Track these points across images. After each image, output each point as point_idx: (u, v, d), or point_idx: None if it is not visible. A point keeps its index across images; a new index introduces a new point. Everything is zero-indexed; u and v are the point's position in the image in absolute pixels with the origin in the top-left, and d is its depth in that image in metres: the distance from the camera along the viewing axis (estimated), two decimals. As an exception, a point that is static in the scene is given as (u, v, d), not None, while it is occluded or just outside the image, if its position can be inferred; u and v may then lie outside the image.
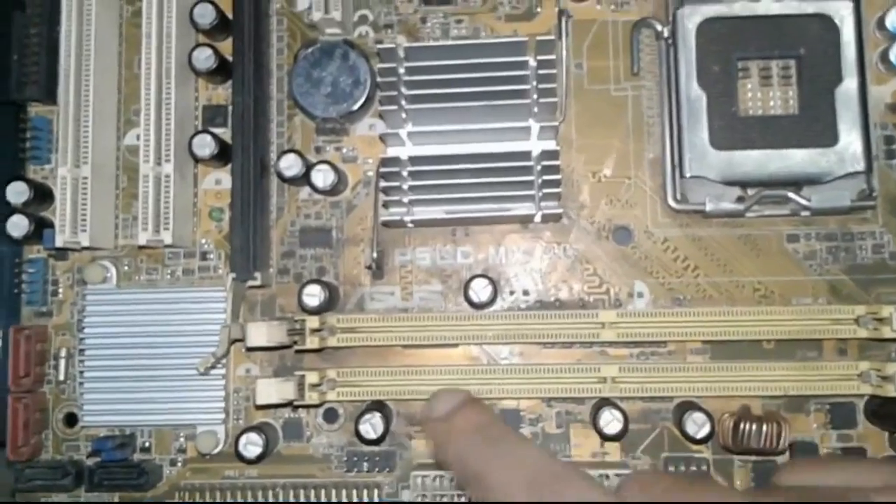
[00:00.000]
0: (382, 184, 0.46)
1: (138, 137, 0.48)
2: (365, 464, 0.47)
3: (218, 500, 0.46)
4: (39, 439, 0.49)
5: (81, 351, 0.48)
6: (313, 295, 0.46)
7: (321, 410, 0.47)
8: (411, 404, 0.47)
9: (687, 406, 0.45)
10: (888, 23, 0.46)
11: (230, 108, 0.49)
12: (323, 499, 0.46)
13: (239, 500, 0.46)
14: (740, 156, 0.45)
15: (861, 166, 0.45)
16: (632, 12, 0.49)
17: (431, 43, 0.48)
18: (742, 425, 0.43)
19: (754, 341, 0.46)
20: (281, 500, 0.46)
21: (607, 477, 0.45)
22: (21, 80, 0.50)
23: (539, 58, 0.45)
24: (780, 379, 0.44)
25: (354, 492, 0.46)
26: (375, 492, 0.46)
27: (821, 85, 0.46)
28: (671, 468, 0.45)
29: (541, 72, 0.45)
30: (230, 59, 0.49)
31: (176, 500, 0.47)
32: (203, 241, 0.49)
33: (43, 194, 0.49)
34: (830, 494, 0.31)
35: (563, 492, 0.30)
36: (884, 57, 0.47)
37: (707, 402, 0.45)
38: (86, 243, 0.47)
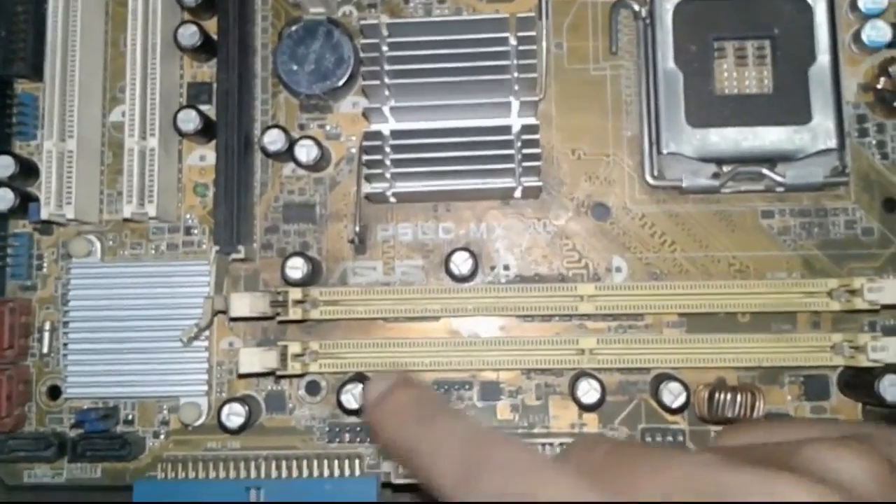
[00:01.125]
0: (365, 158, 0.47)
1: (124, 114, 0.48)
2: (346, 435, 0.47)
3: (200, 471, 0.47)
4: (23, 411, 0.49)
5: (65, 324, 0.49)
6: (296, 268, 0.46)
7: (304, 383, 0.48)
8: (393, 377, 0.48)
9: (663, 377, 0.45)
10: (860, 4, 0.47)
11: (215, 85, 0.49)
12: (305, 470, 0.46)
13: (221, 471, 0.47)
14: (716, 133, 0.46)
15: (833, 143, 0.46)
16: (610, -7, 0.50)
17: (414, 19, 0.49)
18: (717, 395, 0.44)
19: (730, 314, 0.46)
20: (263, 471, 0.47)
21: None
22: (8, 56, 0.50)
23: (519, 34, 0.46)
24: (755, 351, 0.45)
25: (336, 462, 0.47)
26: (357, 462, 0.47)
27: (794, 64, 0.47)
28: (648, 439, 0.46)
29: (521, 48, 0.46)
30: (215, 36, 0.49)
31: (158, 472, 0.47)
32: (187, 216, 0.50)
33: (28, 169, 0.50)
34: (764, 450, 0.32)
35: (493, 456, 0.29)
36: (856, 37, 0.48)
37: (683, 373, 0.46)
38: (70, 216, 0.47)
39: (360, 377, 0.46)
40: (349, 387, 0.45)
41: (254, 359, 0.45)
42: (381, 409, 0.35)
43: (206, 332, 0.48)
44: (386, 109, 0.47)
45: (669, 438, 0.46)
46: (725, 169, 0.47)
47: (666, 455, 0.30)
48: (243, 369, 0.45)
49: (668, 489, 0.27)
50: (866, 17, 0.47)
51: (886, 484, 0.28)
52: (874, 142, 0.48)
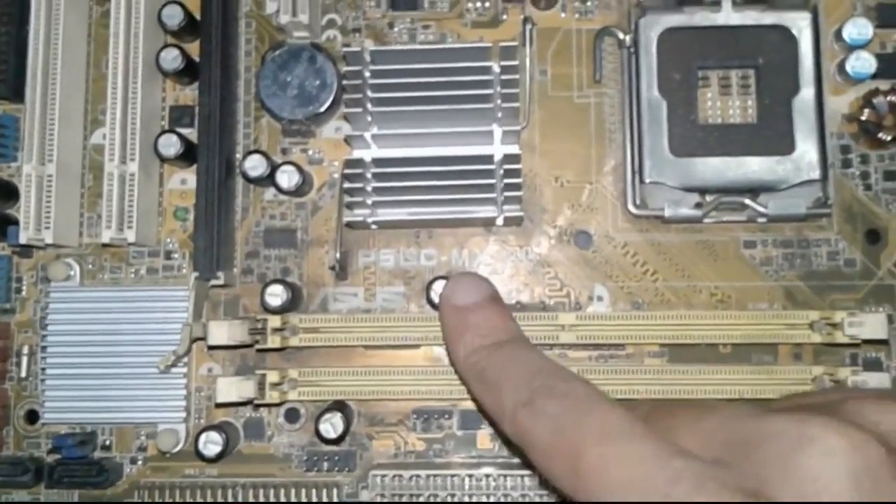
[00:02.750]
0: (346, 185, 0.46)
1: (104, 137, 0.48)
2: (325, 463, 0.47)
3: (178, 498, 0.46)
4: (1, 435, 0.49)
5: (44, 348, 0.49)
6: (276, 295, 0.46)
7: (283, 410, 0.48)
8: (373, 405, 0.47)
9: (643, 408, 0.45)
10: (845, 34, 0.47)
11: (197, 108, 0.49)
12: (282, 498, 0.46)
13: (199, 499, 0.46)
14: (699, 163, 0.46)
15: (817, 174, 0.46)
16: (595, 21, 0.50)
17: (397, 47, 0.49)
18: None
19: (711, 345, 0.46)
20: (240, 499, 0.46)
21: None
22: (-11, 78, 0.50)
23: (502, 63, 0.46)
24: (736, 382, 0.44)
25: (314, 491, 0.46)
26: (335, 491, 0.47)
27: (779, 94, 0.47)
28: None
29: (503, 77, 0.46)
30: (198, 60, 0.49)
31: (135, 499, 0.47)
32: (168, 240, 0.50)
33: (9, 192, 0.49)
34: (807, 402, 0.33)
35: (556, 386, 0.32)
36: (841, 68, 0.48)
37: (664, 404, 0.45)
38: (49, 240, 0.47)
39: (338, 405, 0.46)
40: (327, 416, 0.45)
41: (231, 388, 0.44)
42: (466, 319, 0.37)
43: (185, 359, 0.48)
44: (368, 136, 0.47)
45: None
46: (708, 198, 0.47)
47: (704, 408, 0.31)
48: (220, 398, 0.44)
49: (703, 439, 0.28)
50: (851, 48, 0.47)
51: (870, 477, 0.27)
52: (858, 173, 0.48)
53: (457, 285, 0.40)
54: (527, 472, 0.45)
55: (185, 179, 0.50)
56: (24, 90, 0.49)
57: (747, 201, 0.46)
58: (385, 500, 0.45)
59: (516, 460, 0.47)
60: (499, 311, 0.38)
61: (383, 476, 0.45)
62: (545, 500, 0.45)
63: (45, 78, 0.48)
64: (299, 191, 0.48)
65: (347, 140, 0.48)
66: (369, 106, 0.46)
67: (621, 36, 0.48)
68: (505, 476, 0.45)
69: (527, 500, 0.45)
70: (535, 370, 0.34)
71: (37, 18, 0.49)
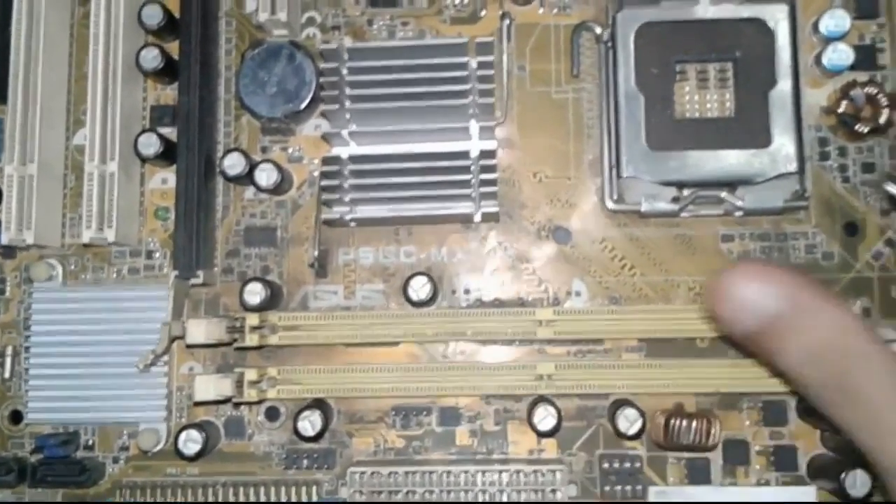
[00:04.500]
0: (324, 182, 0.47)
1: (86, 137, 0.48)
2: (304, 461, 0.47)
3: (159, 497, 0.47)
4: (-16, 436, 0.49)
5: (27, 349, 0.49)
6: (255, 293, 0.46)
7: (263, 409, 0.48)
8: (352, 402, 0.48)
9: (620, 403, 0.45)
10: (822, 27, 0.47)
11: (177, 107, 0.49)
12: (262, 496, 0.46)
13: (180, 498, 0.47)
14: (676, 157, 0.46)
15: (793, 167, 0.45)
16: (573, 16, 0.49)
17: (373, 44, 0.49)
18: (672, 421, 0.44)
19: (689, 339, 0.46)
20: (220, 498, 0.46)
21: (542, 474, 0.45)
22: (-29, 80, 0.50)
23: (478, 59, 0.46)
24: (714, 377, 0.45)
25: (294, 489, 0.47)
26: (314, 489, 0.47)
27: (756, 87, 0.46)
28: (605, 465, 0.46)
29: (480, 73, 0.46)
30: (178, 59, 0.49)
31: (117, 498, 0.47)
32: (149, 239, 0.50)
33: (-9, 193, 0.50)
34: None
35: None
36: (818, 60, 0.47)
37: (642, 399, 0.46)
38: (31, 241, 0.47)
39: (318, 404, 0.46)
40: (306, 413, 0.45)
41: (209, 386, 0.45)
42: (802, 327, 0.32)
43: (166, 358, 0.48)
44: (346, 133, 0.47)
45: (627, 465, 0.46)
46: (685, 193, 0.46)
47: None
48: (198, 397, 0.45)
49: None
50: (828, 41, 0.47)
51: None
52: (835, 165, 0.48)
53: (761, 287, 0.33)
54: (504, 468, 0.45)
55: (166, 179, 0.50)
56: (7, 91, 0.49)
57: (724, 195, 0.46)
58: (363, 498, 0.45)
59: (494, 456, 0.47)
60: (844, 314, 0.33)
61: (362, 473, 0.45)
62: (521, 496, 0.45)
63: (27, 79, 0.49)
64: (279, 189, 0.49)
65: (325, 137, 0.48)
66: (347, 103, 0.47)
67: (598, 31, 0.48)
68: (483, 472, 0.45)
69: (504, 496, 0.45)
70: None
71: (18, 20, 0.49)
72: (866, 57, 0.48)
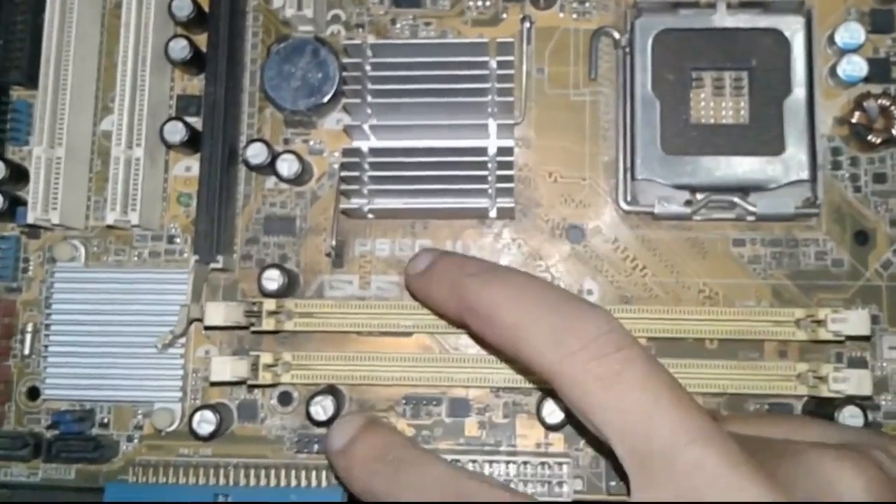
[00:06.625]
0: (343, 173, 0.48)
1: (113, 123, 0.50)
2: (315, 445, 0.48)
3: (171, 476, 0.47)
4: (2, 410, 0.50)
5: (47, 327, 0.50)
6: (272, 279, 0.47)
7: (276, 393, 0.49)
8: (364, 390, 0.48)
9: (628, 400, 0.46)
10: (838, 39, 0.48)
11: (203, 97, 0.51)
12: (272, 479, 0.47)
13: (191, 476, 0.47)
14: (690, 161, 0.47)
15: (806, 175, 0.46)
16: (592, 21, 0.51)
17: (396, 41, 0.50)
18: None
19: (698, 340, 0.47)
20: (231, 479, 0.47)
21: (549, 466, 0.46)
22: (5, 64, 0.52)
23: (498, 58, 0.47)
24: (722, 378, 0.45)
25: (304, 472, 0.47)
26: (324, 473, 0.47)
27: (770, 96, 0.47)
28: (611, 461, 0.46)
29: (500, 72, 0.47)
30: (205, 51, 0.51)
31: (130, 476, 0.48)
32: (171, 224, 0.51)
33: (19, 174, 0.51)
34: (772, 448, 0.33)
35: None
36: (833, 72, 0.48)
37: (649, 397, 0.46)
38: (56, 221, 0.49)
39: (331, 390, 0.47)
40: (318, 398, 0.46)
41: (225, 367, 0.45)
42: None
43: (183, 340, 0.49)
44: (366, 127, 0.48)
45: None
46: (698, 196, 0.47)
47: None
48: (214, 377, 0.45)
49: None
50: (843, 52, 0.48)
51: (881, 498, 0.30)
52: (847, 175, 0.48)
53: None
54: (511, 459, 0.46)
55: (190, 166, 0.51)
56: (38, 76, 0.50)
57: (737, 200, 0.47)
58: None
59: (502, 448, 0.47)
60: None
61: (371, 458, 0.46)
62: (528, 488, 0.45)
63: (58, 65, 0.50)
64: (299, 179, 0.50)
65: (346, 130, 0.49)
66: (368, 97, 0.48)
67: (617, 36, 0.49)
68: (490, 463, 0.46)
69: (510, 487, 0.45)
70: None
71: (52, 8, 0.50)
72: (880, 70, 0.48)
